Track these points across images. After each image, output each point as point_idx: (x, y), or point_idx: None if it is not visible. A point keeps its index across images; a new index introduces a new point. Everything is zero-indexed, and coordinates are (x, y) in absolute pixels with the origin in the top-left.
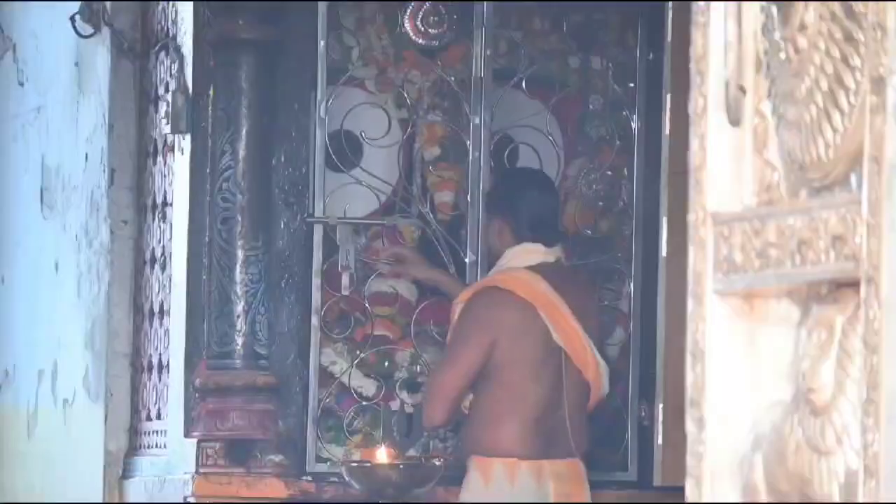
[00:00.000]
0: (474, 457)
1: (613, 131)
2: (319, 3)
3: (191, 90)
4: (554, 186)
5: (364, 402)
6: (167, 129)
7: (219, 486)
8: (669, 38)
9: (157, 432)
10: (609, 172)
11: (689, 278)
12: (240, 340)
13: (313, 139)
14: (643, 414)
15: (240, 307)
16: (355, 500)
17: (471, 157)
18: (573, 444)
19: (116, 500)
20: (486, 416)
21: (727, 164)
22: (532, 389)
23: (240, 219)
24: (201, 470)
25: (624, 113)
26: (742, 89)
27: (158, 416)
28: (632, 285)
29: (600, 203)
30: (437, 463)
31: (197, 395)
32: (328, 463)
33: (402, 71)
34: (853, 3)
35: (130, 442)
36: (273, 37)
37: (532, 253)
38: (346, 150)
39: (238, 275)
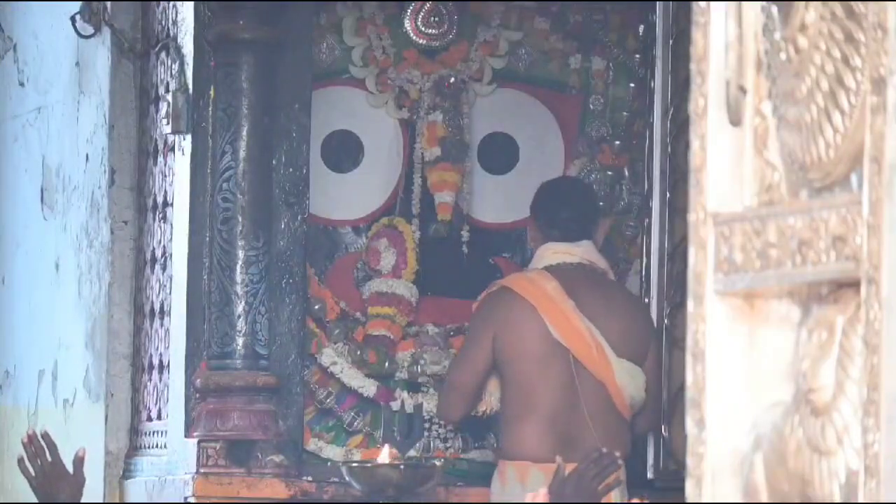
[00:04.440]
0: (498, 460)
1: (613, 131)
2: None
3: (191, 90)
4: (584, 190)
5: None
6: (167, 129)
7: (219, 487)
8: (670, 38)
9: (157, 432)
10: (609, 172)
11: (690, 278)
12: (240, 340)
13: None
14: None
15: (240, 307)
16: (355, 500)
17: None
18: (601, 447)
19: (116, 500)
20: (504, 419)
21: (727, 164)
22: (540, 388)
23: (240, 219)
24: (202, 470)
25: (624, 113)
26: (742, 89)
27: (159, 417)
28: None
29: (600, 203)
30: (437, 463)
31: (197, 395)
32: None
33: (402, 71)
34: (853, 3)
35: (131, 442)
36: (273, 37)
37: (555, 253)
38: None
39: (238, 275)
